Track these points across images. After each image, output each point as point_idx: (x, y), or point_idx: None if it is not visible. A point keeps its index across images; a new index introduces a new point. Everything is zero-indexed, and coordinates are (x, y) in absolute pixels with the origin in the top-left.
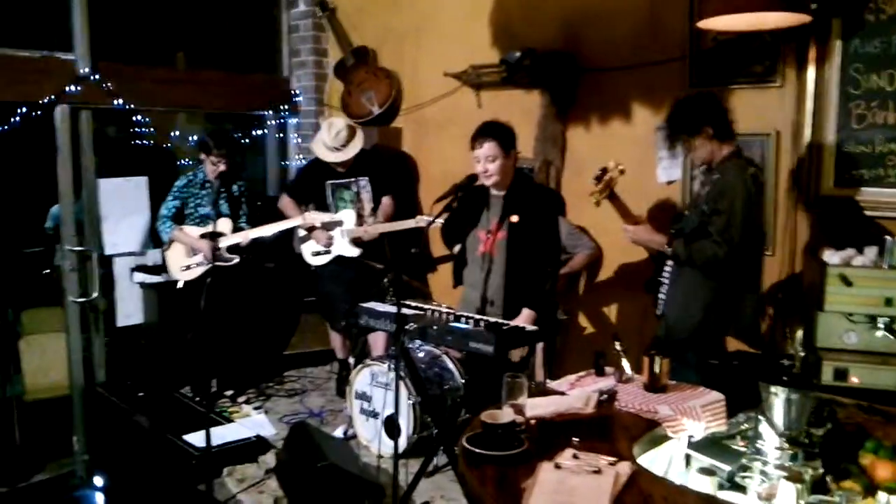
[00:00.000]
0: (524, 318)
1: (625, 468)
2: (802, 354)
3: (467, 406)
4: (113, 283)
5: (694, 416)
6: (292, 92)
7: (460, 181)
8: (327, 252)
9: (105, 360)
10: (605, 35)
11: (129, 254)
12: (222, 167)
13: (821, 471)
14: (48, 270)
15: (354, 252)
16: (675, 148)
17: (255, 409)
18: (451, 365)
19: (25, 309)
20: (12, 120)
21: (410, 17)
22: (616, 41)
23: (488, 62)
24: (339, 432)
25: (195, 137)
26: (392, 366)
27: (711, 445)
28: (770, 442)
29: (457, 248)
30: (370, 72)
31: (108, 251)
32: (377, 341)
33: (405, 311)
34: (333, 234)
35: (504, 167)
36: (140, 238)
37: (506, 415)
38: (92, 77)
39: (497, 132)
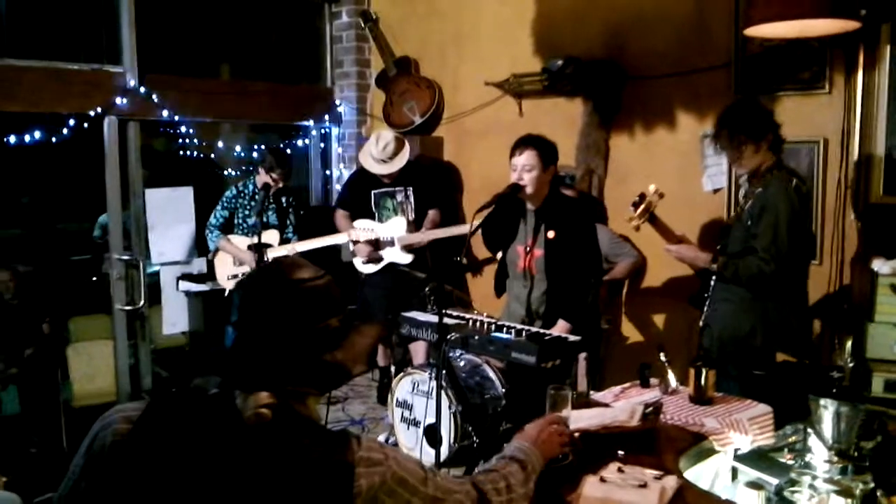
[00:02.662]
0: (558, 330)
1: (671, 482)
2: (852, 366)
3: (508, 415)
4: (159, 292)
5: (741, 429)
6: (335, 102)
7: (503, 190)
8: (379, 259)
9: (151, 367)
10: (649, 42)
11: (175, 263)
12: (280, 185)
13: (871, 485)
14: (95, 278)
15: (407, 258)
16: (723, 147)
17: None
18: (492, 374)
19: (73, 317)
20: (63, 131)
21: (452, 26)
22: (660, 48)
23: (530, 70)
24: (380, 440)
25: (239, 148)
26: (433, 374)
27: (758, 458)
28: (819, 455)
29: (500, 255)
30: (412, 82)
31: (154, 260)
32: (417, 349)
33: (447, 320)
34: (382, 245)
35: (539, 180)
36: (186, 247)
37: None
38: (139, 89)
39: (539, 143)
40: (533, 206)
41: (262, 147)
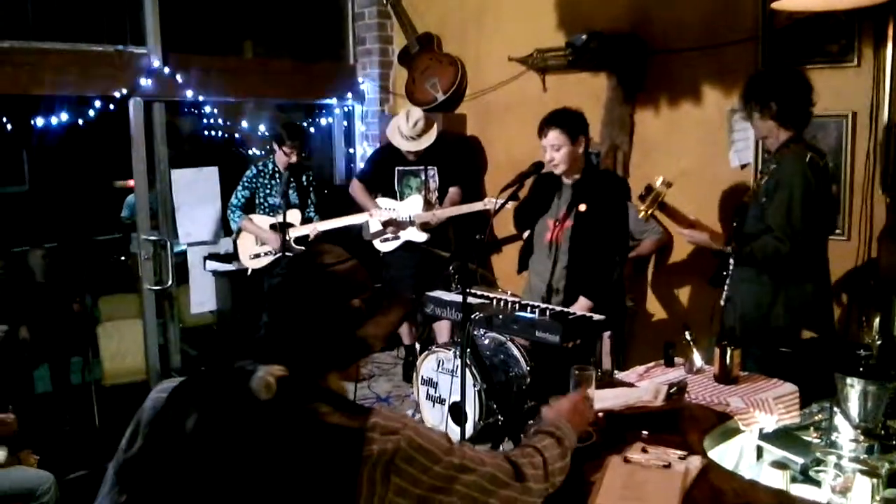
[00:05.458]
0: (579, 307)
1: (695, 462)
2: (879, 343)
3: (533, 393)
4: (187, 272)
5: (766, 408)
6: (358, 80)
7: (526, 169)
8: (396, 238)
9: (179, 345)
10: (674, 15)
11: (202, 243)
12: (294, 158)
13: None
14: (124, 258)
15: (422, 237)
16: (749, 118)
17: None
18: (516, 352)
19: (102, 296)
20: (89, 113)
21: (473, 1)
22: (685, 21)
23: (553, 45)
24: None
25: (263, 127)
26: (458, 352)
27: (784, 437)
28: (845, 434)
29: (526, 234)
30: (434, 58)
31: (181, 240)
32: (441, 328)
33: (471, 300)
34: (402, 224)
35: (571, 155)
36: (212, 227)
37: None
38: (163, 70)
39: (562, 120)
40: (570, 179)
41: None
